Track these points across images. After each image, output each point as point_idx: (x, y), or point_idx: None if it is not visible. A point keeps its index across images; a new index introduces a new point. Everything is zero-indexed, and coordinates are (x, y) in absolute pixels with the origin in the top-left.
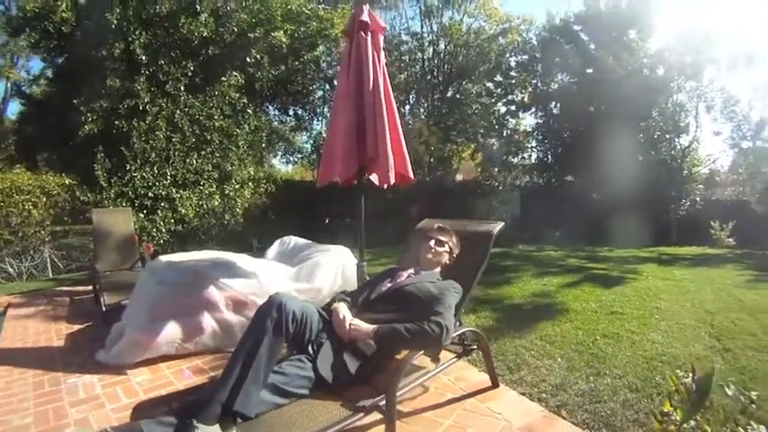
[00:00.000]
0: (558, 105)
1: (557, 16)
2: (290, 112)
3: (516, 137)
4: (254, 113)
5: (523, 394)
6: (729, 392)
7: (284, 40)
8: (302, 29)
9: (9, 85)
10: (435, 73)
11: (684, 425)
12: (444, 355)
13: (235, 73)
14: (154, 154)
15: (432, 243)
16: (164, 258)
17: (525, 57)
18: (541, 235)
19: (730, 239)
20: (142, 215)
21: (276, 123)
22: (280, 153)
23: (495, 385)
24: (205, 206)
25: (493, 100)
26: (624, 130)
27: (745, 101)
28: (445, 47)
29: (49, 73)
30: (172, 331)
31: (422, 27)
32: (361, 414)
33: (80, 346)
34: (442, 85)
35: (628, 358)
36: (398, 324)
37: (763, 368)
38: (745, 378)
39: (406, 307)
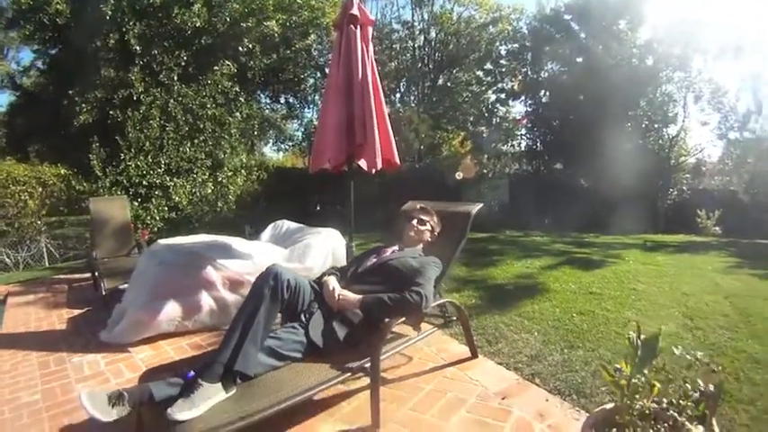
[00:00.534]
0: (548, 94)
1: (547, 6)
2: (282, 100)
3: (506, 124)
4: (246, 102)
5: (501, 364)
6: (677, 352)
7: (276, 29)
8: (294, 18)
9: None
10: (426, 61)
11: (633, 379)
12: (426, 327)
13: (227, 62)
14: (148, 143)
15: (414, 222)
16: (162, 241)
17: (515, 45)
18: (529, 221)
19: (716, 228)
20: (137, 203)
21: (268, 111)
22: (271, 141)
23: (474, 356)
24: (198, 194)
25: (483, 88)
26: (613, 119)
27: (732, 91)
28: (436, 35)
29: (40, 64)
30: (172, 310)
31: (413, 16)
32: (348, 374)
33: (82, 329)
34: (433, 73)
35: (601, 333)
36: (382, 294)
37: (731, 345)
38: (712, 353)
39: (390, 279)
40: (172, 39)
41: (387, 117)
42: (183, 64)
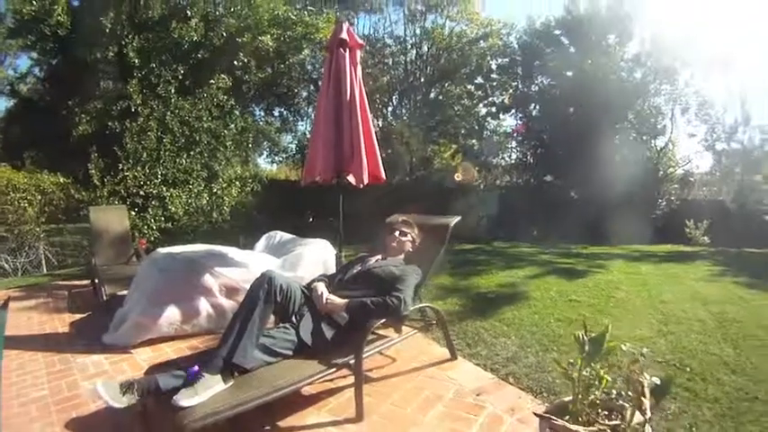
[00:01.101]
0: (538, 107)
1: (537, 20)
2: (276, 113)
3: (497, 137)
4: (241, 115)
5: (478, 365)
6: (624, 348)
7: (270, 44)
8: (288, 33)
9: None
10: (418, 75)
11: (584, 372)
12: (407, 330)
13: (223, 76)
14: (145, 154)
15: (396, 234)
16: (162, 250)
17: (506, 60)
18: (518, 233)
19: (705, 238)
20: (134, 213)
21: (262, 124)
22: (265, 153)
23: (453, 357)
24: (194, 204)
25: (474, 102)
26: (602, 131)
27: (719, 103)
28: (428, 49)
29: (37, 71)
30: (172, 314)
31: (405, 31)
32: (334, 369)
33: (84, 332)
34: (425, 87)
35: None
36: (366, 298)
37: (702, 348)
38: (682, 356)
39: (373, 285)
40: (169, 52)
41: (373, 135)
42: (180, 77)
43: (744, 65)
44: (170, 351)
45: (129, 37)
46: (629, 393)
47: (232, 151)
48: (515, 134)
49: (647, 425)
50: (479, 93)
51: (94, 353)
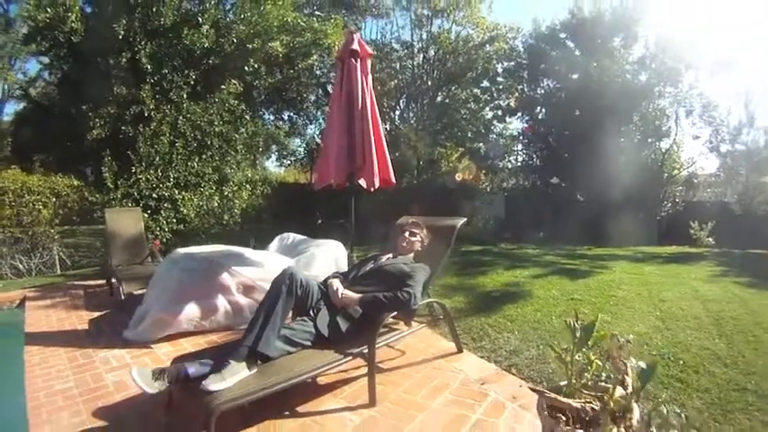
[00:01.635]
0: (544, 110)
1: (543, 24)
2: (285, 117)
3: (503, 140)
4: (252, 119)
5: (483, 357)
6: (615, 336)
7: (280, 49)
8: (297, 39)
9: (6, 86)
10: (425, 79)
11: (576, 356)
12: (416, 324)
13: (234, 81)
14: (158, 157)
15: (406, 234)
16: (182, 250)
17: (512, 63)
18: (525, 235)
19: (710, 239)
20: (146, 215)
21: (271, 128)
22: (274, 156)
23: (459, 350)
24: (205, 207)
25: (480, 105)
26: (608, 133)
27: (724, 105)
28: (435, 54)
29: (47, 75)
30: (191, 311)
31: (412, 36)
32: (350, 358)
33: (103, 329)
34: (432, 91)
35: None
36: (378, 293)
37: (697, 343)
38: (677, 350)
39: (385, 281)
40: (181, 58)
41: (384, 141)
42: (191, 83)
43: (748, 66)
44: (189, 346)
45: (142, 43)
46: (618, 376)
47: (243, 155)
48: (523, 136)
49: (633, 403)
50: (486, 96)
51: (115, 347)
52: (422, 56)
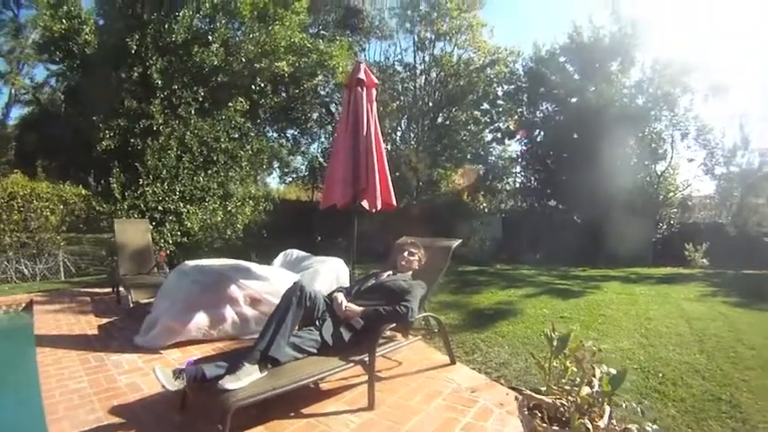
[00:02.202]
0: (543, 133)
1: (543, 48)
2: (288, 135)
3: (502, 162)
4: (257, 137)
5: (474, 369)
6: (586, 344)
7: (286, 69)
8: (303, 60)
9: (14, 91)
10: (426, 100)
11: (554, 362)
12: (413, 336)
13: (240, 99)
14: (165, 171)
15: (405, 254)
16: (191, 263)
17: (512, 87)
18: (522, 256)
19: (704, 260)
20: (151, 226)
21: (275, 146)
22: (276, 174)
23: (452, 362)
24: (209, 221)
25: (480, 127)
26: (605, 156)
27: (718, 128)
28: (436, 76)
29: (53, 82)
30: (200, 320)
31: (415, 58)
32: (351, 365)
33: (113, 334)
34: (432, 112)
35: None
36: (379, 306)
37: (677, 358)
38: (657, 364)
39: (385, 296)
40: (191, 75)
41: (386, 166)
42: (200, 99)
43: (743, 89)
44: (197, 353)
45: (154, 59)
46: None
47: (247, 172)
48: (521, 158)
49: (605, 405)
50: (485, 118)
51: (126, 352)
52: (424, 77)
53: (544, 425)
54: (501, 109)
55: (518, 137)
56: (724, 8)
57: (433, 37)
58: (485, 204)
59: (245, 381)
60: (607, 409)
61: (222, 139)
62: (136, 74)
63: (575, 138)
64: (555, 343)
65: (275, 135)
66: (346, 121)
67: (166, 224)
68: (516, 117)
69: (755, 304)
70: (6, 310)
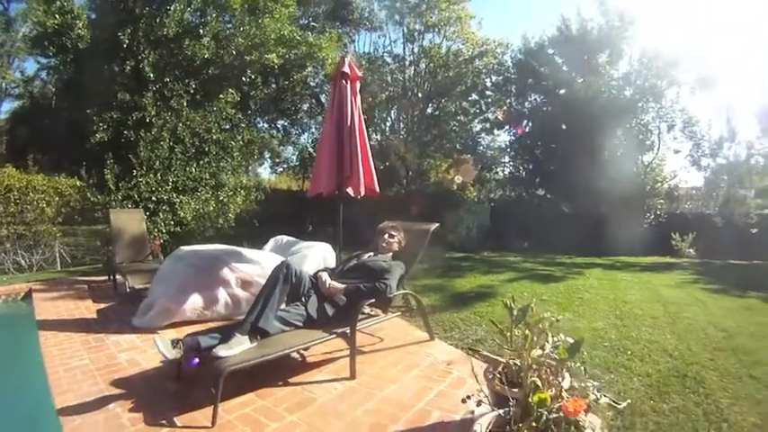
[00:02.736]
0: (531, 124)
1: (531, 40)
2: (279, 126)
3: (491, 152)
4: (247, 128)
5: (451, 344)
6: (545, 315)
7: (276, 61)
8: (293, 52)
9: (4, 84)
10: (415, 91)
11: (515, 330)
12: (392, 313)
13: (231, 90)
14: (158, 162)
15: (386, 236)
16: (186, 248)
17: (500, 78)
18: (509, 245)
19: (691, 250)
20: (145, 216)
21: (266, 136)
22: (267, 164)
23: (431, 338)
24: (201, 210)
25: (469, 118)
26: (593, 147)
27: (705, 120)
28: (425, 67)
29: (44, 75)
30: (195, 301)
31: (404, 49)
32: (334, 336)
33: (111, 317)
34: (422, 103)
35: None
36: (360, 283)
37: (647, 337)
38: (627, 342)
39: (366, 275)
40: (182, 68)
41: (370, 154)
42: (191, 91)
43: (729, 82)
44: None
45: (146, 52)
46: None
47: (238, 162)
48: (510, 148)
49: (565, 372)
50: (474, 109)
51: (124, 333)
52: (413, 69)
53: (502, 385)
54: (490, 100)
55: (512, 131)
56: (711, 1)
57: (422, 29)
58: (475, 194)
59: (237, 349)
60: (567, 378)
61: (214, 131)
62: (128, 67)
63: (563, 128)
64: (515, 313)
65: (266, 126)
66: (332, 112)
67: (160, 214)
68: (505, 108)
69: (733, 291)
70: (6, 299)
